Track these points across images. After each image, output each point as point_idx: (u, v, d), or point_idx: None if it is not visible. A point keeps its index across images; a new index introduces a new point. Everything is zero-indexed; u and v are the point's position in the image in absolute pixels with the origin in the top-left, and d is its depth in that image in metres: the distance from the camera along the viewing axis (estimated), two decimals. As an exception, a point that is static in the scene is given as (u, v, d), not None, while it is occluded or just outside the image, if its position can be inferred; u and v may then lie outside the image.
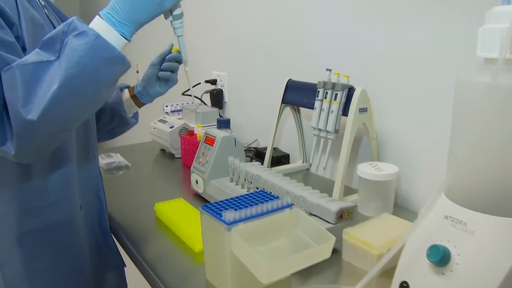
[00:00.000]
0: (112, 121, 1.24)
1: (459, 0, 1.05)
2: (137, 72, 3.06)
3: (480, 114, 0.70)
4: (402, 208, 1.21)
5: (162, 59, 1.18)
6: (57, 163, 0.95)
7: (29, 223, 0.93)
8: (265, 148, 1.53)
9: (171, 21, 0.96)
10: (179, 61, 1.17)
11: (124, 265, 1.22)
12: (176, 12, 0.95)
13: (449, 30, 1.07)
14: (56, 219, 0.97)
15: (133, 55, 2.66)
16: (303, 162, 1.52)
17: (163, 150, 1.81)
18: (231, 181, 1.21)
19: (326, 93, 1.22)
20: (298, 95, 1.36)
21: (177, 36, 1.01)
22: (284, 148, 1.65)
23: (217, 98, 1.97)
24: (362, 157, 1.34)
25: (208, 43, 2.10)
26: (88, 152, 1.07)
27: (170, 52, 1.17)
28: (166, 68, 1.17)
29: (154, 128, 1.76)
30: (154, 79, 1.19)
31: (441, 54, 1.10)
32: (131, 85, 1.26)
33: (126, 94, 1.24)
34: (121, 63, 0.80)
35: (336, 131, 1.21)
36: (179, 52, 1.12)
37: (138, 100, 1.23)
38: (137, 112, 1.31)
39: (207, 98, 1.99)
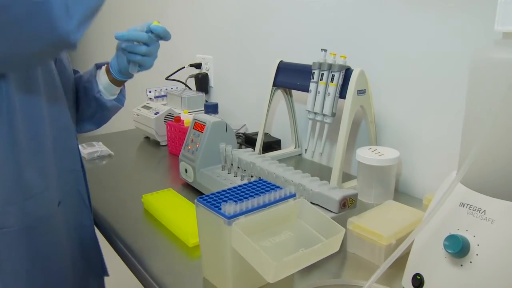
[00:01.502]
0: (89, 105, 1.10)
1: None
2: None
3: (499, 93, 0.64)
4: (403, 194, 1.16)
5: (126, 37, 1.00)
6: (31, 152, 0.87)
7: (6, 219, 0.85)
8: (255, 134, 1.46)
9: None
10: (143, 41, 0.99)
11: (106, 274, 1.14)
12: None
13: (450, 9, 1.02)
14: (33, 215, 0.89)
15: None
16: (295, 148, 1.46)
17: (147, 138, 1.73)
18: (223, 169, 1.15)
19: (322, 74, 1.16)
20: (291, 77, 1.29)
21: None
22: (274, 133, 1.59)
23: (202, 83, 1.89)
24: (359, 141, 1.29)
25: (192, 25, 2.02)
26: (67, 141, 0.98)
27: (149, 30, 0.99)
28: (131, 49, 1.00)
29: (138, 115, 1.68)
30: (120, 54, 1.03)
31: (444, 32, 1.04)
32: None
33: (102, 70, 1.09)
34: None
35: (333, 114, 1.15)
36: (153, 32, 0.97)
37: (114, 76, 1.07)
38: (121, 94, 1.14)
39: (192, 83, 1.91)
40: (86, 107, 1.10)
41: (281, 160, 1.41)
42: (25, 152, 0.86)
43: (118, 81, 1.08)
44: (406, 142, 1.16)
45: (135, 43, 0.99)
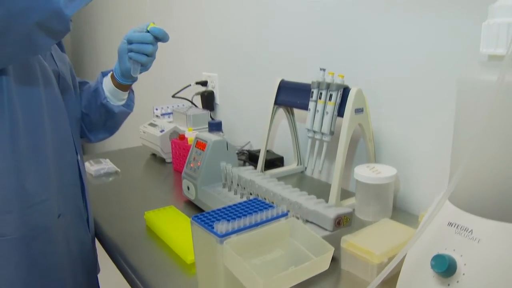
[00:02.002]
0: (99, 113, 1.15)
1: (456, -5, 1.01)
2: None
3: (486, 115, 0.66)
4: (402, 211, 1.18)
5: (128, 38, 1.05)
6: (32, 162, 0.90)
7: (4, 225, 0.88)
8: (259, 151, 1.49)
9: None
10: (149, 42, 1.04)
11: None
12: None
13: (448, 26, 1.03)
14: (33, 224, 0.91)
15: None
16: (297, 165, 1.48)
17: (154, 155, 1.76)
18: (224, 187, 1.17)
19: (321, 93, 1.18)
20: (291, 96, 1.31)
21: None
22: (278, 150, 1.61)
23: (208, 100, 1.92)
24: (358, 158, 1.30)
25: (198, 44, 2.06)
26: (67, 156, 1.02)
27: (147, 31, 1.04)
28: (134, 49, 1.04)
29: (144, 132, 1.72)
30: (124, 55, 1.07)
31: (439, 51, 1.06)
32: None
33: (107, 77, 1.14)
34: None
35: (332, 132, 1.17)
36: (152, 34, 1.02)
37: (117, 81, 1.11)
38: (130, 99, 1.19)
39: (198, 101, 1.95)
40: (97, 115, 1.14)
41: (284, 177, 1.43)
42: (26, 162, 0.89)
43: (123, 86, 1.12)
44: (404, 159, 1.18)
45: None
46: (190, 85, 1.94)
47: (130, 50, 1.04)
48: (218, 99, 1.94)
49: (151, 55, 1.05)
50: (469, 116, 0.70)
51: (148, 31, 1.03)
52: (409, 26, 1.12)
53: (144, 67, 1.07)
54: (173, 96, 1.88)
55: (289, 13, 1.49)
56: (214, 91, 1.94)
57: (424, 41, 1.09)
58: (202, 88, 1.97)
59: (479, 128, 0.66)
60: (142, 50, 1.03)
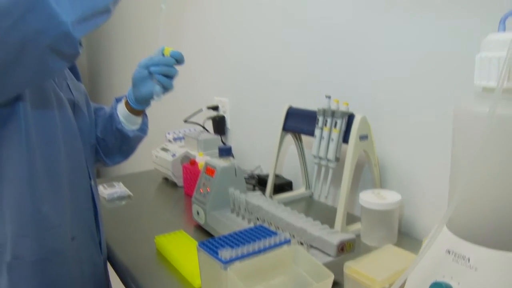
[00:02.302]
0: (115, 137, 1.19)
1: (457, 24, 1.04)
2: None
3: (479, 144, 0.68)
4: (407, 236, 1.19)
5: (154, 63, 1.10)
6: (48, 188, 0.94)
7: (21, 249, 0.92)
8: (268, 175, 1.51)
9: None
10: (170, 64, 1.09)
11: None
12: None
13: (450, 54, 1.06)
14: (48, 247, 0.95)
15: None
16: (306, 189, 1.51)
17: (166, 179, 1.80)
18: (232, 212, 1.20)
19: (326, 120, 1.21)
20: (299, 122, 1.35)
21: None
22: (287, 174, 1.64)
23: (219, 125, 1.96)
24: (364, 183, 1.32)
25: (209, 69, 2.11)
26: (81, 181, 1.06)
27: (162, 55, 1.10)
28: (161, 72, 1.09)
29: (156, 157, 1.76)
30: (143, 82, 1.12)
31: (442, 79, 1.09)
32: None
33: (121, 103, 1.19)
34: None
35: (337, 159, 1.20)
36: (172, 57, 1.08)
37: (131, 106, 1.16)
38: (144, 124, 1.23)
39: (209, 125, 1.99)
40: (112, 140, 1.19)
41: (292, 201, 1.45)
42: (42, 187, 0.93)
43: (137, 111, 1.17)
44: (409, 184, 1.20)
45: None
46: (202, 109, 1.99)
47: (156, 72, 1.08)
48: (229, 124, 1.98)
49: (173, 78, 1.11)
50: (464, 146, 0.73)
51: (163, 54, 1.09)
52: (413, 58, 1.15)
53: (166, 90, 1.11)
54: (185, 121, 1.92)
55: (297, 42, 1.53)
56: (225, 116, 1.98)
57: (428, 71, 1.11)
58: (213, 113, 2.01)
59: (474, 159, 0.68)
60: (168, 73, 1.09)
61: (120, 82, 3.39)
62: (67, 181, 1.00)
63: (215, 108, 2.01)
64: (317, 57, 1.45)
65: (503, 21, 0.73)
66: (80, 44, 0.79)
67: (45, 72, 0.83)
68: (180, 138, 1.86)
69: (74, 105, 1.06)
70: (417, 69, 1.14)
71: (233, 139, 1.98)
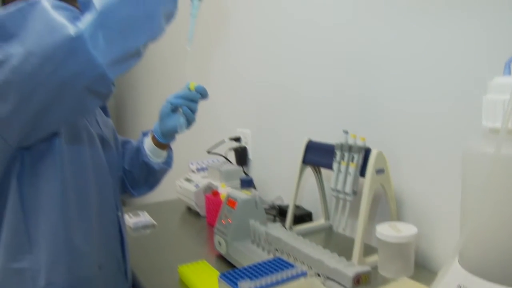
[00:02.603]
0: (141, 169, 1.26)
1: (473, 61, 1.08)
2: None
3: (486, 184, 0.72)
4: (423, 268, 1.21)
5: (179, 97, 1.17)
6: (79, 218, 1.01)
7: (54, 276, 0.97)
8: (288, 206, 1.55)
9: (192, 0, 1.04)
10: (195, 99, 1.17)
11: None
12: None
13: (469, 92, 1.10)
14: (78, 275, 1.01)
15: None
16: (325, 220, 1.54)
17: (189, 208, 1.85)
18: (253, 243, 1.24)
19: (344, 155, 1.25)
20: (318, 155, 1.39)
21: (192, 16, 1.06)
22: (307, 205, 1.67)
23: (241, 156, 2.01)
24: (381, 214, 1.35)
25: (232, 102, 2.18)
26: (109, 212, 1.12)
27: (188, 90, 1.17)
28: (185, 105, 1.16)
29: (180, 187, 1.82)
30: (169, 116, 1.19)
31: (459, 115, 1.12)
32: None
33: (148, 137, 1.26)
34: None
35: (354, 192, 1.24)
36: (197, 92, 1.15)
37: (157, 140, 1.23)
38: (169, 157, 1.30)
39: (232, 156, 2.04)
40: (139, 172, 1.26)
41: (312, 232, 1.49)
42: (73, 217, 1.00)
43: (162, 145, 1.24)
44: (426, 217, 1.22)
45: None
46: (224, 140, 2.05)
47: (182, 105, 1.16)
48: (251, 155, 2.04)
49: (195, 111, 1.18)
50: (472, 184, 0.76)
51: (189, 89, 1.16)
52: (430, 96, 1.19)
53: (190, 123, 1.18)
54: (208, 152, 1.98)
55: (315, 78, 1.59)
56: (247, 147, 2.04)
57: (446, 108, 1.15)
58: (235, 144, 2.07)
59: (482, 198, 0.72)
60: (192, 108, 1.16)
61: (145, 117, 3.50)
62: (96, 212, 1.06)
63: (237, 139, 2.07)
64: (335, 92, 1.50)
65: (508, 65, 0.77)
66: (113, 84, 0.86)
67: (81, 111, 0.90)
68: (203, 169, 1.91)
69: (103, 140, 1.13)
70: (434, 107, 1.18)
71: (255, 169, 2.03)
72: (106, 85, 0.82)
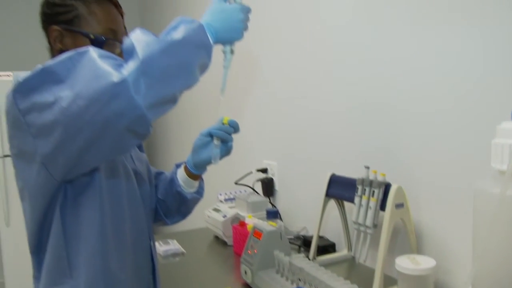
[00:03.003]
0: (174, 199, 1.33)
1: (490, 90, 1.14)
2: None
3: (493, 221, 0.77)
4: (442, 301, 1.25)
5: (214, 129, 1.25)
6: (115, 247, 1.09)
7: None
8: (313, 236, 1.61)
9: (225, 52, 1.12)
10: (232, 131, 1.25)
11: None
12: (233, 48, 1.12)
13: (483, 120, 1.16)
14: None
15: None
16: (348, 251, 1.59)
17: (216, 237, 1.92)
18: (277, 273, 1.30)
19: (365, 189, 1.31)
20: (340, 189, 1.45)
21: (224, 67, 1.15)
22: (331, 236, 1.72)
23: (268, 186, 2.08)
24: (402, 246, 1.40)
25: (260, 135, 2.26)
26: (142, 241, 1.20)
27: (222, 123, 1.25)
28: (220, 137, 1.24)
29: (209, 217, 1.89)
30: (203, 148, 1.27)
31: (474, 151, 1.17)
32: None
33: (181, 168, 1.34)
34: (209, 52, 0.97)
35: (375, 225, 1.29)
36: (230, 125, 1.23)
37: (190, 171, 1.31)
38: (200, 187, 1.38)
39: (258, 187, 2.11)
40: (172, 201, 1.34)
41: (335, 263, 1.54)
42: (110, 246, 1.08)
43: (194, 175, 1.31)
44: (444, 250, 1.27)
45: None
46: (252, 172, 2.12)
47: (219, 137, 1.24)
48: (277, 186, 2.10)
49: (230, 142, 1.26)
50: (482, 220, 0.82)
51: (223, 124, 1.24)
52: (449, 132, 1.24)
53: (224, 154, 1.27)
54: (236, 183, 2.06)
55: (338, 115, 1.66)
56: (274, 178, 2.11)
57: (463, 143, 1.21)
58: (262, 175, 2.14)
59: (487, 232, 0.78)
60: (226, 139, 1.24)
61: (177, 151, 3.64)
62: (131, 241, 1.14)
63: (264, 170, 2.14)
64: (357, 128, 1.57)
65: (515, 111, 0.83)
66: (151, 125, 0.93)
67: (121, 149, 0.99)
68: (231, 199, 1.99)
69: (137, 174, 1.22)
70: (452, 144, 1.23)
71: (281, 200, 2.09)
72: (145, 126, 0.89)
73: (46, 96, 0.88)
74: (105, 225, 1.07)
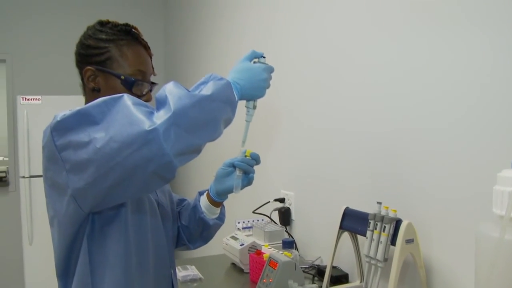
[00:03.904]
0: (197, 225, 1.41)
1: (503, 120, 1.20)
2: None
3: (493, 264, 0.83)
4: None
5: (238, 161, 1.32)
6: (138, 275, 1.16)
7: None
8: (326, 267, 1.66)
9: (248, 108, 1.21)
10: (254, 163, 1.33)
11: None
12: (256, 104, 1.21)
13: (497, 162, 1.21)
14: None
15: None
16: (360, 282, 1.64)
17: (233, 264, 1.98)
18: (291, 302, 1.36)
19: (376, 224, 1.37)
20: (354, 222, 1.51)
21: (246, 121, 1.23)
22: (344, 266, 1.78)
23: (285, 216, 2.15)
24: (411, 280, 1.44)
25: (278, 166, 2.34)
26: (163, 270, 1.27)
27: (245, 155, 1.33)
28: (243, 169, 1.32)
29: (227, 244, 1.96)
30: (225, 178, 1.35)
31: (483, 190, 1.23)
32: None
33: (203, 195, 1.42)
34: (233, 108, 1.05)
35: (385, 259, 1.34)
36: (252, 158, 1.32)
37: (212, 199, 1.39)
38: (221, 213, 1.46)
39: (276, 216, 2.18)
40: (195, 227, 1.42)
41: (347, 293, 1.59)
42: (134, 275, 1.15)
43: (216, 203, 1.40)
44: (454, 284, 1.31)
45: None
46: (269, 201, 2.19)
47: (241, 169, 1.32)
48: (294, 215, 2.17)
49: (252, 174, 1.34)
50: (483, 261, 0.88)
51: (246, 156, 1.32)
52: (455, 171, 1.30)
53: (245, 185, 1.34)
54: (254, 212, 2.13)
55: (352, 154, 1.73)
56: (291, 208, 2.17)
57: (473, 181, 1.26)
58: (279, 205, 2.21)
59: (487, 272, 0.83)
60: (248, 171, 1.32)
61: (197, 179, 3.74)
62: (153, 269, 1.22)
63: (282, 200, 2.21)
64: (368, 167, 1.64)
65: (514, 159, 0.89)
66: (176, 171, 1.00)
67: (146, 190, 1.06)
68: (248, 227, 2.06)
69: (159, 205, 1.30)
70: (461, 183, 1.29)
71: (297, 229, 2.15)
72: (171, 172, 0.96)
73: (81, 136, 0.96)
74: (130, 255, 1.14)
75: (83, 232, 1.10)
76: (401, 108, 1.50)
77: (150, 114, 0.93)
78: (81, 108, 0.98)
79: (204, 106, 0.96)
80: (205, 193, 1.42)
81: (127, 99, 0.96)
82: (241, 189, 1.33)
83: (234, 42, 3.01)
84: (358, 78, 1.71)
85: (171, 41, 4.67)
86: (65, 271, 1.14)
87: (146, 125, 0.90)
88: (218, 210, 1.42)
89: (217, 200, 1.39)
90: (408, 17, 1.47)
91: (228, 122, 1.06)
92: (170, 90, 0.96)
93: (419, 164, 1.43)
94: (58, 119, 1.00)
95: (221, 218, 1.46)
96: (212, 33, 3.44)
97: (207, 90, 0.98)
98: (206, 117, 0.98)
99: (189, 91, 0.97)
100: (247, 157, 1.32)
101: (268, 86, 1.16)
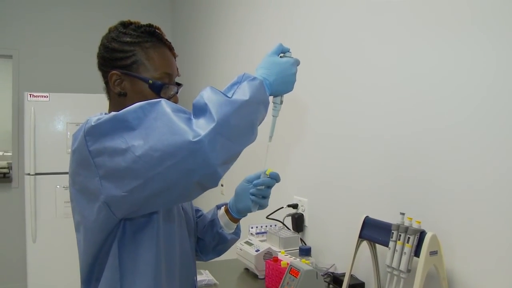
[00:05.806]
0: (213, 238, 1.41)
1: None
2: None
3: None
4: None
5: (257, 184, 1.31)
6: (167, 281, 1.16)
7: None
8: (342, 274, 1.66)
9: (275, 103, 1.20)
10: (271, 185, 1.32)
11: None
12: (282, 99, 1.20)
13: None
14: None
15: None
16: (377, 292, 1.64)
17: (246, 269, 1.98)
18: (312, 311, 1.36)
19: (400, 235, 1.37)
20: (375, 232, 1.51)
21: (273, 116, 1.23)
22: (360, 275, 1.77)
23: (298, 222, 2.14)
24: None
25: (291, 172, 2.33)
26: (188, 276, 1.28)
27: (265, 175, 1.31)
28: (259, 193, 1.31)
29: (241, 249, 1.96)
30: (245, 195, 1.33)
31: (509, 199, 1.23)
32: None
33: (222, 210, 1.42)
34: (267, 107, 1.04)
35: (408, 271, 1.34)
36: (271, 177, 1.31)
37: (232, 216, 1.39)
38: (238, 228, 1.45)
39: (288, 222, 2.18)
40: (211, 240, 1.42)
41: (364, 303, 1.58)
42: (163, 281, 1.15)
43: (235, 219, 1.39)
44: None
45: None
46: (283, 207, 2.19)
47: (254, 194, 1.31)
48: (307, 222, 2.17)
49: (267, 197, 1.33)
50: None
51: (268, 176, 1.32)
52: (486, 185, 1.30)
53: (265, 206, 1.34)
54: (267, 217, 2.12)
55: (373, 160, 1.73)
56: (304, 214, 2.17)
57: (499, 192, 1.26)
58: (293, 210, 2.21)
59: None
60: (265, 194, 1.32)
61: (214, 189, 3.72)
62: (178, 277, 1.22)
63: (295, 206, 2.20)
64: (391, 175, 1.63)
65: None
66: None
67: (186, 198, 1.06)
68: (262, 233, 2.05)
69: (184, 212, 1.30)
70: (486, 194, 1.29)
71: (310, 236, 2.15)
72: (215, 182, 0.95)
73: (117, 142, 0.94)
74: (160, 262, 1.14)
75: (112, 238, 1.09)
76: (422, 108, 1.50)
77: (189, 122, 0.91)
78: (117, 113, 0.96)
79: (244, 112, 0.95)
80: (223, 208, 1.42)
81: (165, 106, 0.94)
82: (258, 209, 1.34)
83: (244, 44, 3.01)
84: (372, 81, 1.71)
85: (179, 43, 4.66)
86: (90, 276, 1.13)
87: (190, 135, 0.88)
88: (235, 225, 1.43)
89: (237, 217, 1.40)
90: (426, 21, 1.47)
91: (261, 121, 1.04)
92: (209, 97, 0.94)
93: (442, 175, 1.43)
94: (93, 123, 0.98)
95: (237, 233, 1.46)
96: (221, 35, 3.44)
97: (243, 93, 0.97)
98: (246, 123, 0.96)
99: (227, 96, 0.95)
100: (267, 177, 1.31)
101: (295, 80, 1.15)
